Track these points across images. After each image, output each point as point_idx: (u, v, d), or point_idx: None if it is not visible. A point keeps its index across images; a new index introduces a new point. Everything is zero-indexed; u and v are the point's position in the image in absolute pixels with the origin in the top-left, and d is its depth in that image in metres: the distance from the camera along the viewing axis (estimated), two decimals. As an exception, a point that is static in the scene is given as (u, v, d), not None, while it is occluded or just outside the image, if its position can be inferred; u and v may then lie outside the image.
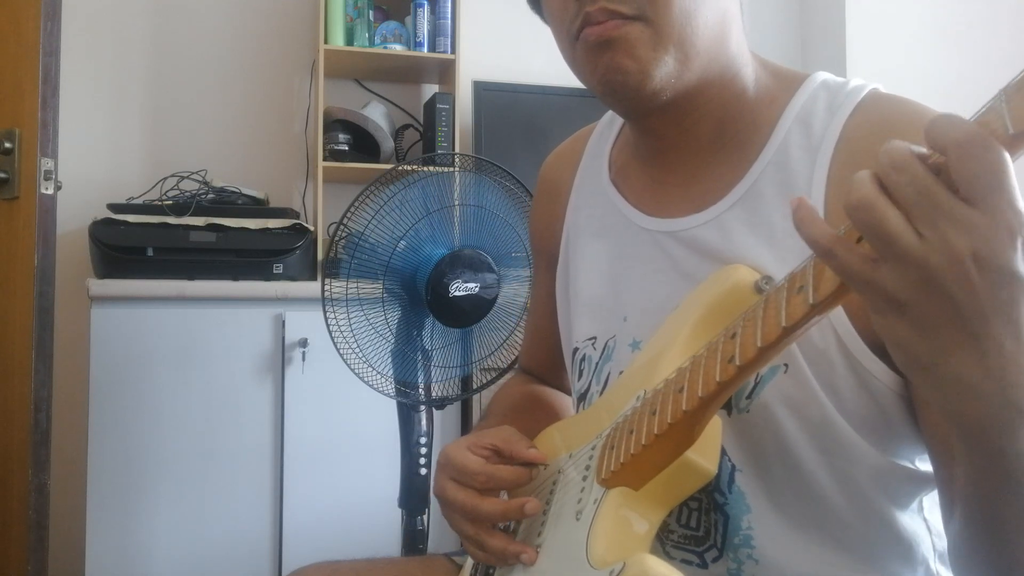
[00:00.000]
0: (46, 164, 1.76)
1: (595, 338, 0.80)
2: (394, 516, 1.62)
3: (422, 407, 1.58)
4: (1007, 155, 0.40)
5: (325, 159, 2.35)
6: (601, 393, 0.78)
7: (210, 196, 2.17)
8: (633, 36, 0.65)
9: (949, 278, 0.41)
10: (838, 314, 0.63)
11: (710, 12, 0.67)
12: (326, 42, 2.36)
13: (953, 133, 0.40)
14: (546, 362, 1.01)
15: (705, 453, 0.60)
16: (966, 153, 0.39)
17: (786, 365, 0.65)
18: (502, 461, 0.73)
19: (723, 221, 0.70)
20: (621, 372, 0.76)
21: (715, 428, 0.61)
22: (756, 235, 0.68)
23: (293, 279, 2.10)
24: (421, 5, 2.44)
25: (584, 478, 0.68)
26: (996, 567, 0.53)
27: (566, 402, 0.99)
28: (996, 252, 0.40)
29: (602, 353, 0.79)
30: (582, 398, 0.82)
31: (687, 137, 0.73)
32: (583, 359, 0.82)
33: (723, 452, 0.67)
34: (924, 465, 0.68)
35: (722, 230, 0.70)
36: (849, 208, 0.43)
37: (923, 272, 0.41)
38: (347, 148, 2.38)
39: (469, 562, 0.81)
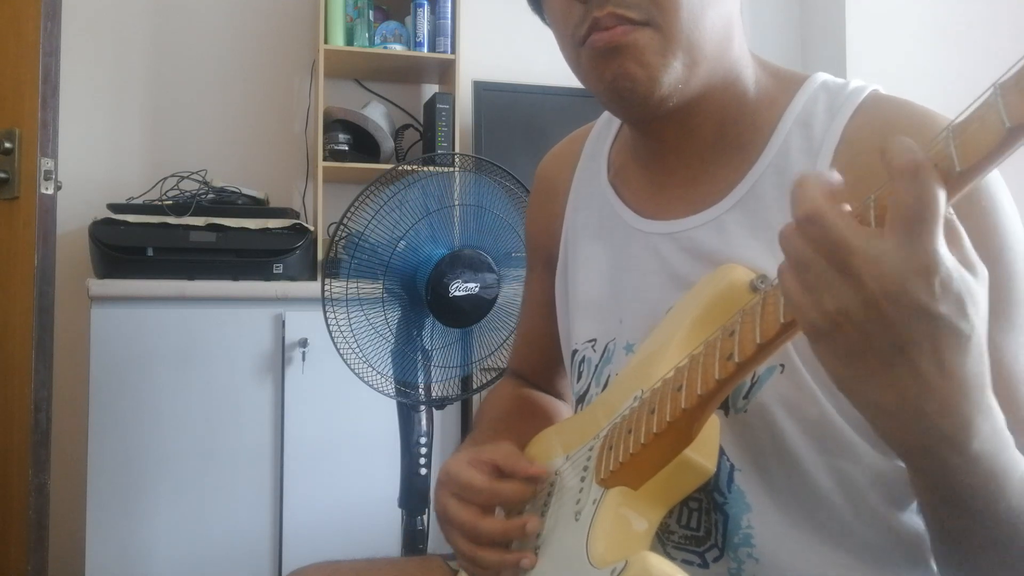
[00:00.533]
0: (46, 164, 1.76)
1: (595, 340, 0.80)
2: (394, 516, 1.63)
3: (422, 407, 1.58)
4: (941, 193, 0.41)
5: (325, 159, 2.35)
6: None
7: (210, 196, 2.17)
8: (642, 42, 0.64)
9: (862, 315, 0.42)
10: None
11: (716, 16, 0.67)
12: (326, 42, 2.36)
13: (897, 160, 0.41)
14: (538, 364, 1.00)
15: (704, 451, 0.60)
16: (902, 182, 0.41)
17: (782, 365, 0.65)
18: (502, 477, 0.72)
19: (722, 223, 0.70)
20: (619, 373, 0.76)
21: (713, 426, 0.61)
22: (756, 237, 0.68)
23: (293, 279, 2.10)
24: (421, 5, 2.44)
25: (582, 479, 0.68)
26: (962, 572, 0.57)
27: (557, 406, 0.99)
28: (909, 291, 0.41)
29: (602, 355, 0.79)
30: (581, 400, 0.82)
31: (688, 140, 0.73)
32: (582, 361, 0.81)
33: (721, 452, 0.67)
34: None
35: (721, 231, 0.70)
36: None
37: (839, 305, 0.43)
38: (347, 148, 2.38)
39: None
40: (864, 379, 0.45)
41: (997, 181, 0.63)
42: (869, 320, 0.43)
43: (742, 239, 0.69)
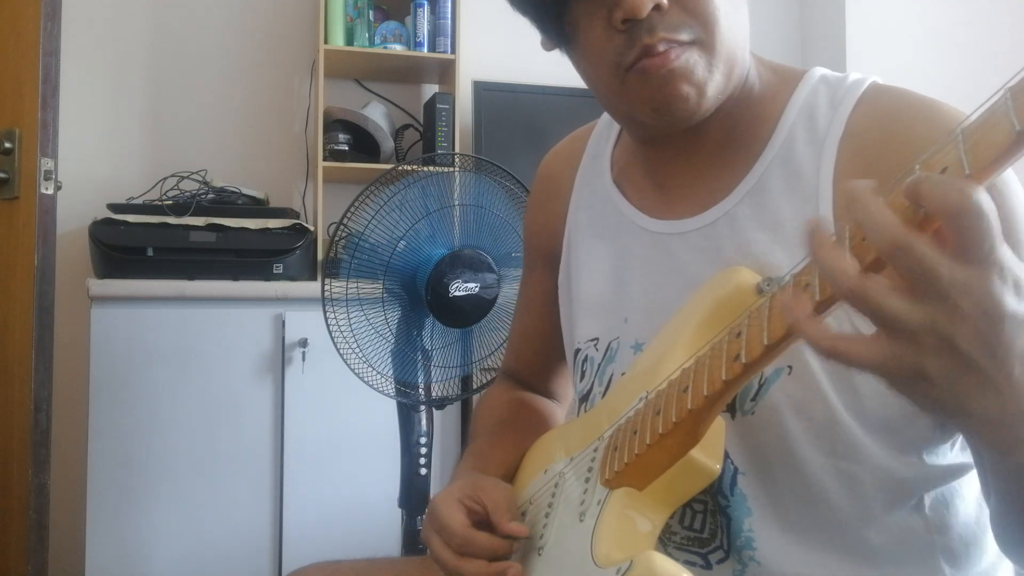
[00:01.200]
0: (46, 164, 1.76)
1: (597, 339, 0.80)
2: (394, 516, 1.63)
3: (422, 407, 1.58)
4: (994, 212, 0.41)
5: (325, 159, 2.35)
6: (603, 394, 0.78)
7: (210, 196, 2.17)
8: (692, 62, 0.65)
9: (962, 339, 0.43)
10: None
11: (742, 22, 0.69)
12: (326, 42, 2.36)
13: (946, 201, 0.41)
14: (534, 364, 1.00)
15: (709, 452, 0.60)
16: (963, 223, 0.41)
17: (790, 367, 0.65)
18: (489, 521, 0.71)
19: (732, 217, 0.71)
20: (624, 373, 0.76)
21: (719, 428, 0.61)
22: (764, 229, 0.69)
23: (293, 279, 2.10)
24: (421, 5, 2.44)
25: (587, 480, 0.68)
26: None
27: (553, 409, 0.98)
28: (999, 303, 0.42)
29: (604, 354, 0.79)
30: (584, 399, 0.82)
31: (696, 140, 0.73)
32: (585, 360, 0.81)
33: (726, 455, 0.67)
34: (930, 459, 0.68)
35: (731, 226, 0.71)
36: (844, 296, 0.45)
37: (937, 338, 0.43)
38: (347, 148, 2.38)
39: None
40: (970, 397, 0.45)
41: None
42: (969, 341, 0.43)
43: (752, 232, 0.69)
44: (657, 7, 0.63)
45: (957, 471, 0.70)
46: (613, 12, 0.64)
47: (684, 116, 0.68)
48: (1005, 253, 0.42)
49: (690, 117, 0.68)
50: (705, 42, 0.65)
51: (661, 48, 0.64)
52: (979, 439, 0.48)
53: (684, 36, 0.65)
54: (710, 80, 0.66)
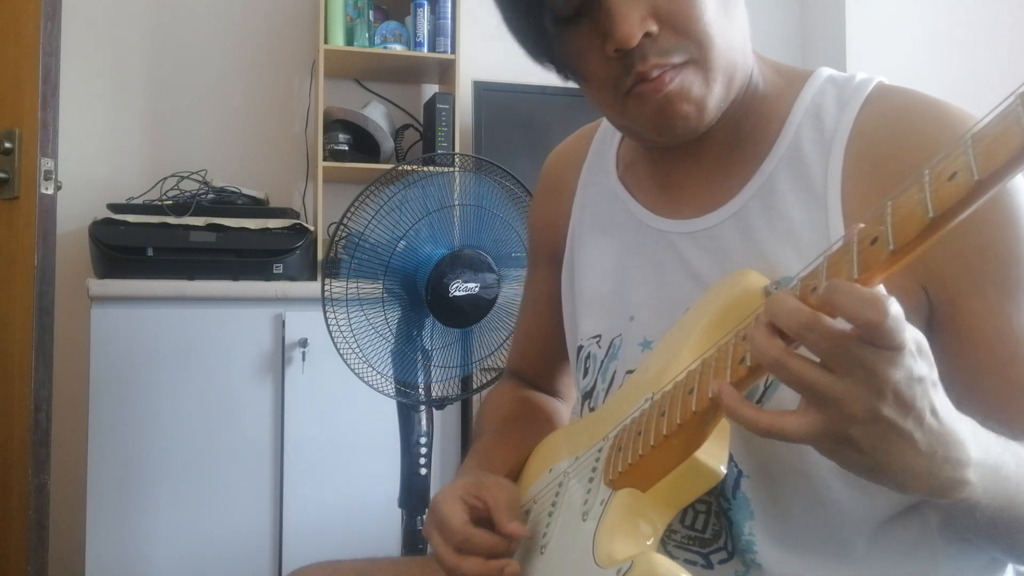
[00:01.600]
0: (46, 164, 1.76)
1: (600, 336, 0.80)
2: (394, 516, 1.62)
3: (422, 407, 1.58)
4: (901, 315, 0.46)
5: (325, 159, 2.35)
6: (607, 391, 0.78)
7: (210, 196, 2.17)
8: (687, 81, 0.66)
9: (883, 407, 0.47)
10: None
11: (739, 29, 0.68)
12: (326, 42, 2.36)
13: (859, 317, 0.45)
14: (539, 362, 1.00)
15: (714, 455, 0.60)
16: (874, 334, 0.45)
17: None
18: (490, 519, 0.71)
19: (739, 218, 0.71)
20: (628, 371, 0.76)
21: (724, 430, 0.61)
22: (774, 229, 0.69)
23: (293, 279, 2.10)
24: (421, 5, 2.44)
25: (591, 479, 0.68)
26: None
27: (557, 408, 0.98)
28: (911, 373, 0.47)
29: (607, 351, 0.79)
30: (587, 396, 0.82)
31: (701, 142, 0.74)
32: (588, 357, 0.81)
33: (730, 457, 0.67)
34: None
35: (740, 226, 0.71)
36: (769, 368, 0.50)
37: (859, 408, 0.48)
38: (347, 148, 2.38)
39: None
40: (892, 455, 0.49)
41: None
42: (889, 409, 0.47)
43: (760, 232, 0.69)
44: (647, 34, 0.63)
45: None
46: (605, 43, 0.65)
47: (686, 133, 0.69)
48: (914, 331, 0.47)
49: (692, 132, 0.69)
50: (700, 60, 0.65)
51: (655, 74, 0.65)
52: (915, 492, 0.52)
53: (677, 59, 0.65)
54: (709, 95, 0.67)
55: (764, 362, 0.50)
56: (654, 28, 0.63)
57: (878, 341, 0.46)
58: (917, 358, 0.48)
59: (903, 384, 0.47)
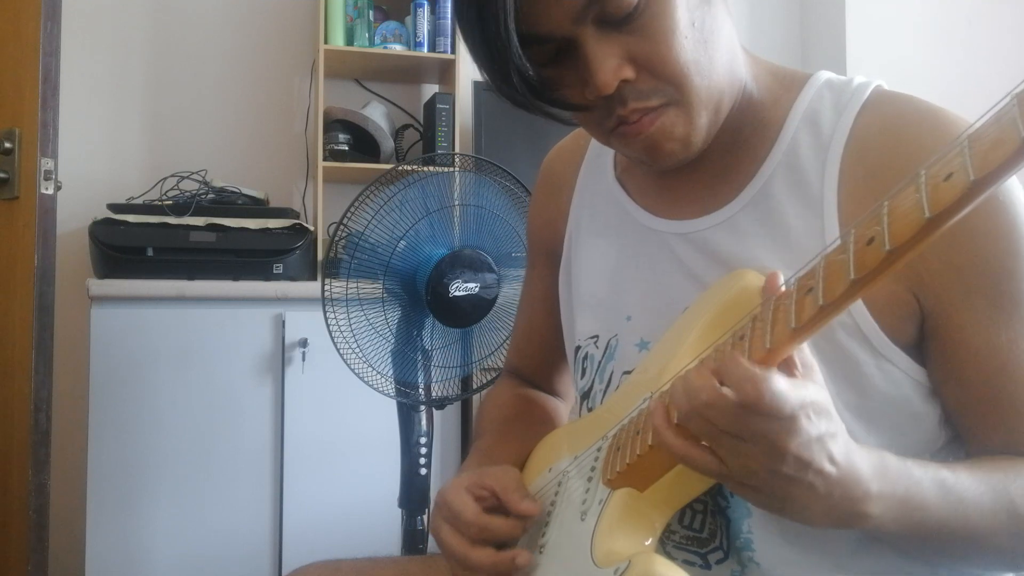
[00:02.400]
0: (46, 164, 1.76)
1: (597, 336, 0.80)
2: (394, 516, 1.62)
3: (422, 407, 1.58)
4: (784, 387, 0.50)
5: (325, 159, 2.35)
6: (604, 391, 0.78)
7: (210, 196, 2.17)
8: (668, 122, 0.66)
9: (782, 468, 0.52)
10: (861, 313, 0.64)
11: (722, 54, 0.67)
12: (326, 42, 2.36)
13: (743, 393, 0.50)
14: (538, 361, 1.00)
15: None
16: (759, 409, 0.50)
17: None
18: (499, 507, 0.72)
19: (735, 222, 0.71)
20: (625, 371, 0.76)
21: None
22: (769, 236, 0.69)
23: (293, 279, 2.10)
24: (421, 5, 2.44)
25: (589, 479, 0.68)
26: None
27: (557, 407, 0.98)
28: (808, 436, 0.51)
29: (604, 351, 0.79)
30: (585, 396, 0.82)
31: None
32: (585, 357, 0.81)
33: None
34: (937, 461, 0.68)
35: (734, 232, 0.71)
36: (668, 450, 0.56)
37: (761, 468, 0.53)
38: (347, 148, 2.38)
39: None
40: (791, 500, 0.54)
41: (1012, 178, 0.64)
42: (789, 467, 0.52)
43: (756, 238, 0.69)
44: (626, 79, 0.63)
45: None
46: (584, 88, 0.65)
47: (676, 164, 0.69)
48: (805, 395, 0.51)
49: (683, 162, 0.69)
50: (680, 100, 0.65)
51: (635, 118, 0.65)
52: (817, 526, 0.56)
53: (656, 101, 0.65)
54: (693, 131, 0.67)
55: (659, 444, 0.57)
56: (631, 74, 0.63)
57: (764, 413, 0.50)
58: (814, 420, 0.52)
59: (802, 447, 0.51)
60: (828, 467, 0.53)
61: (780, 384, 0.50)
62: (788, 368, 0.55)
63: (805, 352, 0.56)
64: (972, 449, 0.69)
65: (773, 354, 0.52)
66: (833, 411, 0.55)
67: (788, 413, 0.50)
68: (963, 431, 0.69)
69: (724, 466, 0.54)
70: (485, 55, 0.64)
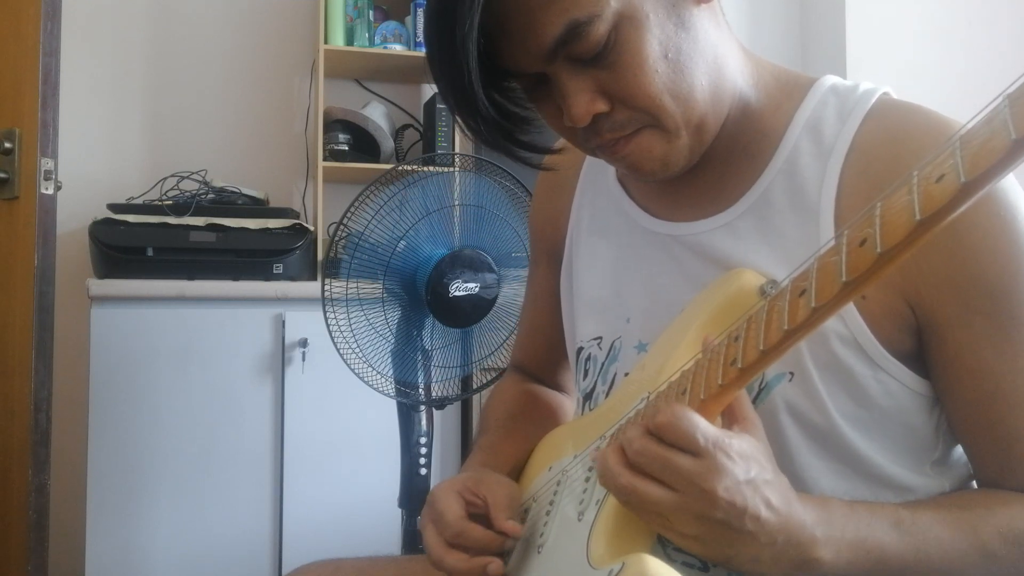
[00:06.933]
0: (46, 164, 1.76)
1: (600, 338, 0.80)
2: (394, 516, 1.62)
3: (422, 407, 1.58)
4: (699, 426, 0.54)
5: (325, 159, 2.35)
6: (607, 393, 0.78)
7: (210, 196, 2.17)
8: (645, 144, 0.66)
9: (715, 513, 0.54)
10: (858, 325, 0.64)
11: (703, 69, 0.66)
12: (326, 42, 2.36)
13: (669, 433, 0.55)
14: (542, 357, 1.00)
15: None
16: (679, 445, 0.54)
17: (791, 373, 0.65)
18: (487, 515, 0.72)
19: (733, 228, 0.70)
20: (627, 373, 0.76)
21: None
22: (767, 243, 0.68)
23: (293, 279, 2.10)
24: (421, 5, 2.44)
25: (587, 478, 0.68)
26: None
27: (563, 402, 0.99)
28: (733, 477, 0.53)
29: (608, 353, 0.79)
30: (588, 397, 0.82)
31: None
32: (588, 359, 0.81)
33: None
34: (935, 470, 0.69)
35: (733, 236, 0.70)
36: (615, 493, 0.59)
37: (692, 514, 0.55)
38: (347, 148, 2.38)
39: None
40: (736, 548, 0.56)
41: (1017, 193, 0.64)
42: (721, 511, 0.54)
43: (753, 244, 0.69)
44: (599, 112, 0.64)
45: (961, 482, 0.70)
46: (563, 115, 0.66)
47: (659, 179, 0.70)
48: (728, 438, 0.54)
49: (668, 177, 0.69)
50: (656, 124, 0.65)
51: (611, 143, 0.66)
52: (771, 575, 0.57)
53: (631, 128, 0.65)
54: (672, 150, 0.67)
55: (610, 489, 0.59)
56: (604, 107, 0.64)
57: (679, 444, 0.53)
58: (738, 461, 0.54)
59: (731, 491, 0.53)
60: (765, 513, 0.54)
61: (694, 416, 0.53)
62: (730, 419, 0.58)
63: (747, 407, 0.58)
64: (974, 467, 0.69)
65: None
66: (768, 462, 0.56)
67: (702, 445, 0.53)
68: (964, 450, 0.69)
69: (665, 519, 0.56)
70: (454, 101, 0.65)
